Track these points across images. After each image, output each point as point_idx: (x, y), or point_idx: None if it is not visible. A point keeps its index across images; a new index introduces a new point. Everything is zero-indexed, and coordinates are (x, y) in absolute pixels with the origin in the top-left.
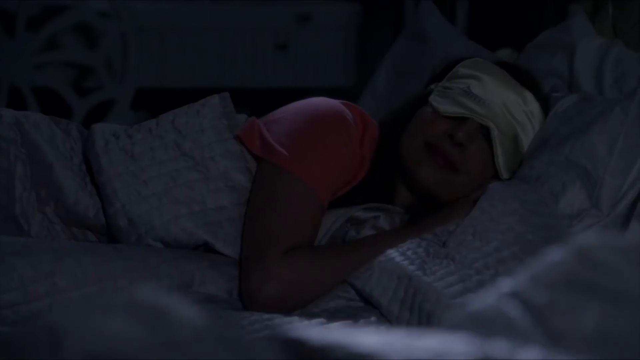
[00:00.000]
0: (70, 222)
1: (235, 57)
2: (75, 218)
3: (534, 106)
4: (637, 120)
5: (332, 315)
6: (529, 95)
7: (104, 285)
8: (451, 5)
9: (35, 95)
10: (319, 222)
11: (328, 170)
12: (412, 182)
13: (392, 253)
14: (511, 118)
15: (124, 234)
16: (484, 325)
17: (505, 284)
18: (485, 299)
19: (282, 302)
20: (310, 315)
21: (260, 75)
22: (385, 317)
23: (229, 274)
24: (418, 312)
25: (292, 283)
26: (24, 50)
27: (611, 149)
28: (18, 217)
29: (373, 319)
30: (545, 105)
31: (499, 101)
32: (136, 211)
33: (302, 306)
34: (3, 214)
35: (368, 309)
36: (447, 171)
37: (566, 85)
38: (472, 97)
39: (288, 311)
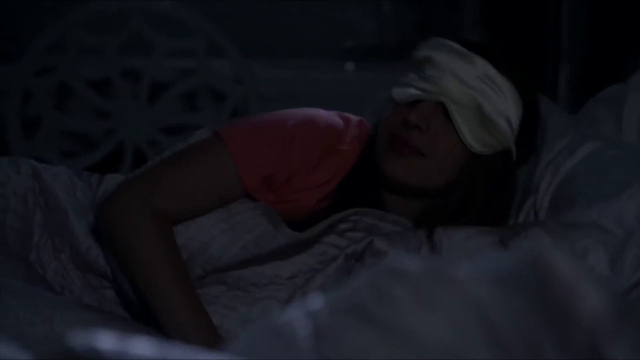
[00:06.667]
0: (85, 269)
1: None
2: (88, 265)
3: (487, 68)
4: None
5: None
6: (478, 60)
7: None
8: (554, 71)
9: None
10: (222, 201)
11: (261, 154)
12: (389, 182)
13: None
14: (465, 87)
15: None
16: (274, 339)
17: (315, 301)
18: (291, 313)
19: (107, 237)
20: None
21: None
22: None
23: None
24: None
25: (123, 238)
26: (148, 112)
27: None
28: (33, 263)
29: None
30: (511, 71)
31: (450, 74)
32: None
33: None
34: (15, 259)
35: None
36: (414, 158)
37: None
38: (425, 79)
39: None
